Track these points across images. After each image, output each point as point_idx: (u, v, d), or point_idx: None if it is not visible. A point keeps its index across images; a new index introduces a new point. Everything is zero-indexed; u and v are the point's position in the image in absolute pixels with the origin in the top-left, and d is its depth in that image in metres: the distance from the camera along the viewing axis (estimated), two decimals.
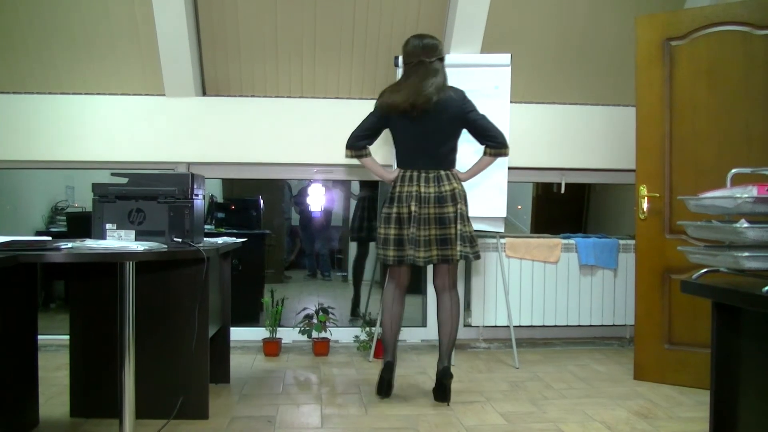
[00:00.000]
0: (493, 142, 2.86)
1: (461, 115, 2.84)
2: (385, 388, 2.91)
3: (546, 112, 4.20)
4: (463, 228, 2.83)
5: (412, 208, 2.79)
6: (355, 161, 3.98)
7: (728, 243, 1.80)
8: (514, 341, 3.70)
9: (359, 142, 2.88)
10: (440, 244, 2.83)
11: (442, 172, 2.85)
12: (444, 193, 2.81)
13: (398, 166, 2.92)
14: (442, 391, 2.90)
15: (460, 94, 2.86)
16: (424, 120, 2.80)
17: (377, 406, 2.88)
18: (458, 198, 2.83)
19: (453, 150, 2.91)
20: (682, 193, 3.08)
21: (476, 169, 2.96)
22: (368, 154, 2.92)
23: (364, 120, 2.90)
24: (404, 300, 3.01)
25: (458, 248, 2.81)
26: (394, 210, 2.83)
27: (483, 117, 2.86)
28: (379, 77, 4.05)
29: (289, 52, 3.94)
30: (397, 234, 2.83)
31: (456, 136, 2.89)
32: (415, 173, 2.84)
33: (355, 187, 5.87)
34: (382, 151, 4.05)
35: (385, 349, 2.95)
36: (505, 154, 2.92)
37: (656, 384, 3.25)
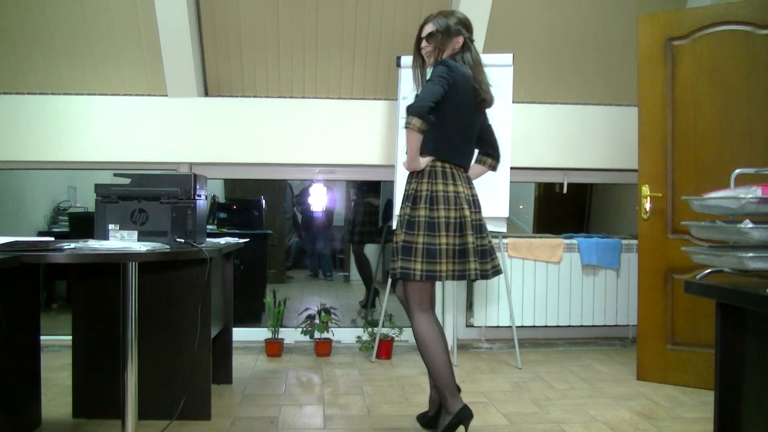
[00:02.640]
0: (497, 155, 2.60)
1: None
2: None
3: (548, 112, 4.19)
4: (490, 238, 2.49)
5: (466, 213, 2.33)
6: (355, 160, 4.05)
7: (732, 243, 1.80)
8: (516, 341, 3.70)
9: (432, 115, 2.25)
10: (480, 256, 2.39)
11: (468, 174, 2.50)
12: (477, 197, 2.46)
13: (435, 155, 2.36)
14: None
15: None
16: (475, 110, 2.44)
17: (379, 406, 2.88)
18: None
19: None
20: (685, 192, 3.08)
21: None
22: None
23: (433, 88, 2.26)
24: None
25: (490, 262, 2.43)
26: (443, 213, 2.31)
27: (491, 125, 2.61)
28: (381, 78, 4.05)
29: (291, 53, 3.95)
30: (460, 243, 2.31)
31: None
32: (455, 170, 2.38)
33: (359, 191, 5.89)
34: (378, 148, 4.05)
35: (453, 393, 2.34)
36: (495, 170, 2.65)
37: (659, 384, 3.25)
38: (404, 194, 2.44)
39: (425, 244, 2.28)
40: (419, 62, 2.55)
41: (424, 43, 2.47)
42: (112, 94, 3.99)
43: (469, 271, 2.31)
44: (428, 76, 2.38)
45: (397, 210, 3.38)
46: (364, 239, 5.71)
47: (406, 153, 2.36)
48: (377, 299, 4.99)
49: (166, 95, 3.96)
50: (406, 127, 2.24)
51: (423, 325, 2.34)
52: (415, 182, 2.38)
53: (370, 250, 5.89)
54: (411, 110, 2.23)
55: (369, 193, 5.67)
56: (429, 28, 2.45)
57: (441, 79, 2.28)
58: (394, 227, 3.63)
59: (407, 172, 2.45)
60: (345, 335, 4.09)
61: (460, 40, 2.44)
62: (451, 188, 2.33)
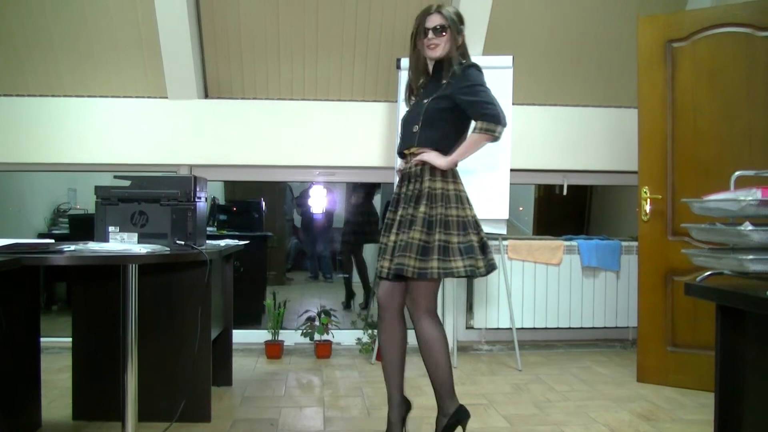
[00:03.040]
0: None
1: None
2: None
3: (548, 114, 4.20)
4: None
5: (474, 212, 2.36)
6: (355, 162, 4.05)
7: (732, 245, 1.80)
8: (516, 343, 3.70)
9: None
10: None
11: None
12: None
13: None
14: None
15: None
16: None
17: (379, 408, 2.87)
18: None
19: None
20: (684, 194, 3.08)
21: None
22: None
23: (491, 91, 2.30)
24: None
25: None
26: (470, 212, 2.31)
27: None
28: (381, 79, 4.05)
29: (291, 55, 3.95)
30: (478, 240, 2.30)
31: None
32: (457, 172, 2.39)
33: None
34: (377, 149, 4.05)
35: (451, 395, 2.33)
36: None
37: (659, 386, 3.25)
38: (419, 193, 2.27)
39: (460, 243, 2.23)
40: (417, 61, 2.43)
41: (431, 35, 2.33)
42: (112, 96, 3.99)
43: (493, 261, 2.31)
44: (457, 79, 2.29)
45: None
46: (350, 239, 5.75)
47: (445, 153, 2.28)
48: (370, 301, 5.01)
49: (166, 97, 3.96)
50: (491, 134, 2.23)
51: (429, 327, 2.29)
52: (440, 181, 2.27)
53: (370, 251, 5.90)
54: (500, 120, 2.22)
55: (356, 194, 5.70)
56: (438, 20, 2.33)
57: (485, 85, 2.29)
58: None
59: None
60: (345, 337, 4.09)
61: (461, 39, 2.39)
62: (463, 187, 2.34)
